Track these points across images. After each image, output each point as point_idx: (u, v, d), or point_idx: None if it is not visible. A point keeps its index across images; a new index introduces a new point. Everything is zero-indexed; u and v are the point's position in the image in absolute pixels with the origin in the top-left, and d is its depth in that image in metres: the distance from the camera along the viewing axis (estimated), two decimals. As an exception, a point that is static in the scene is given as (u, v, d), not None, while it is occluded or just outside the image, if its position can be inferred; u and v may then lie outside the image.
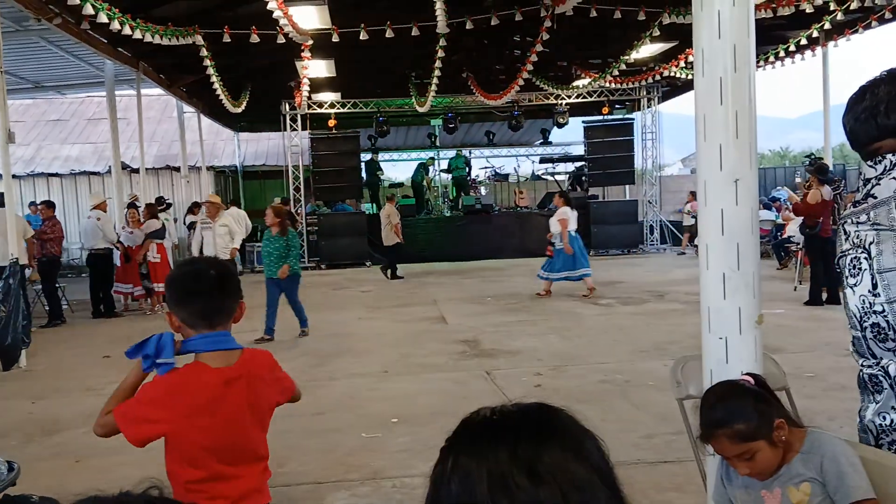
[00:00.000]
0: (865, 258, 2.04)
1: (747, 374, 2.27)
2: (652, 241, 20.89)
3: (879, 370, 2.05)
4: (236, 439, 2.28)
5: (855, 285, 2.09)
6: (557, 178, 23.24)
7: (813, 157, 13.00)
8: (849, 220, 2.13)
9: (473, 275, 15.92)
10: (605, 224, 19.31)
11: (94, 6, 8.59)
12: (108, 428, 2.23)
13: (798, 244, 13.14)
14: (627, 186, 22.25)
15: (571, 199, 13.13)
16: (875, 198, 2.05)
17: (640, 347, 8.13)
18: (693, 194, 19.12)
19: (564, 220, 12.09)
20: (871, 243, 2.03)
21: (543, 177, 24.31)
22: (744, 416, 2.03)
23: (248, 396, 2.27)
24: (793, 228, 14.16)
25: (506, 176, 23.94)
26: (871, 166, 2.09)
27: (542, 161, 23.78)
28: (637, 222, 20.58)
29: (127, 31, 9.73)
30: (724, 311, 2.49)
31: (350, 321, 10.79)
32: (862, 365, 2.11)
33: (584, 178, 21.21)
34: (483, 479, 0.80)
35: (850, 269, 2.11)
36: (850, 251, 2.11)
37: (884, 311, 2.00)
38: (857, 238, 2.08)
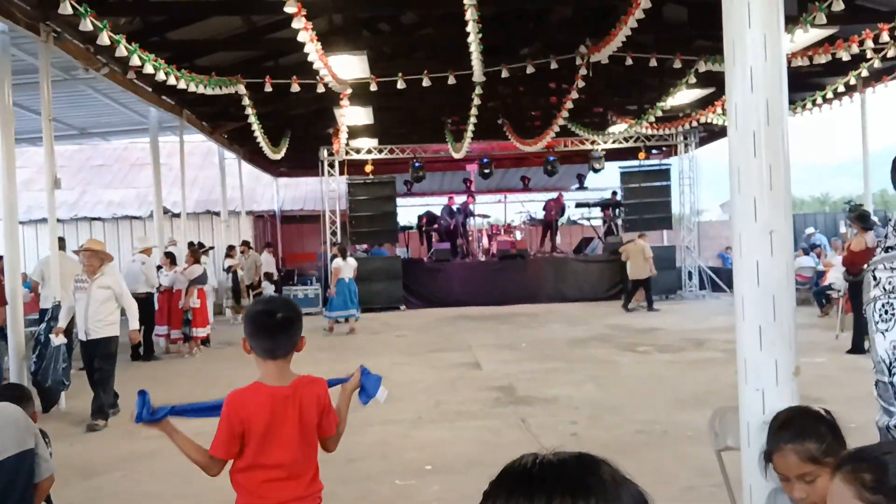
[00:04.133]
0: None
1: (823, 408, 2.24)
2: (690, 286, 20.66)
3: None
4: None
5: (886, 331, 2.06)
6: (593, 223, 23.20)
7: (852, 202, 12.79)
8: (880, 266, 2.10)
9: (508, 320, 15.85)
10: (643, 270, 19.11)
11: (140, 58, 8.85)
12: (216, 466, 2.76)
13: (839, 291, 12.89)
14: (665, 232, 22.12)
15: (347, 252, 15.59)
16: None
17: (678, 397, 7.99)
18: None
19: (337, 269, 14.68)
20: None
21: (580, 222, 24.30)
22: (816, 437, 2.00)
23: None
24: (833, 275, 13.92)
25: (541, 220, 23.92)
26: None
27: (578, 206, 23.74)
28: (675, 268, 20.39)
29: (172, 80, 10.01)
30: (760, 362, 2.47)
31: (384, 366, 10.77)
32: (885, 413, 2.07)
33: (616, 222, 21.16)
34: None
35: (881, 315, 2.08)
36: (882, 297, 2.08)
37: None
38: (890, 284, 2.04)
